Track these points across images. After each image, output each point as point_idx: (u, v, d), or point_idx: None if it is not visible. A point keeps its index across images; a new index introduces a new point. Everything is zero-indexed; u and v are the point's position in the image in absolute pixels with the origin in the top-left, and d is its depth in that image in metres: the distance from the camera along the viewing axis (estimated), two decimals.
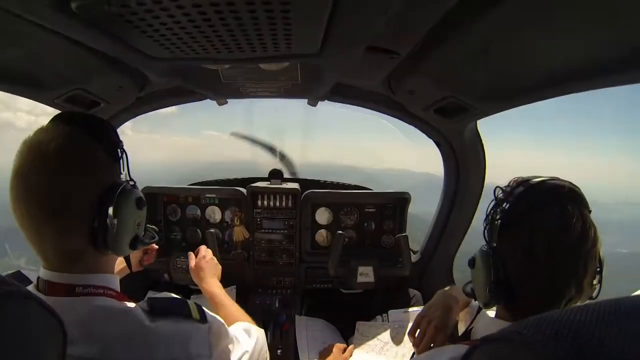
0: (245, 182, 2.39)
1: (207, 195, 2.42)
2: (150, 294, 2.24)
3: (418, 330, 1.38)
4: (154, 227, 2.05)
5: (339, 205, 2.40)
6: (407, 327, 1.99)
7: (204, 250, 1.84)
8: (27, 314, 0.55)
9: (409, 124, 1.91)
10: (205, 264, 1.76)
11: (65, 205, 0.85)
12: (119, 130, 1.52)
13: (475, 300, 1.13)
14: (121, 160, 0.97)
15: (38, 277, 0.92)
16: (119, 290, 1.00)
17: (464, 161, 1.96)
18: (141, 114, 1.97)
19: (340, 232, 2.12)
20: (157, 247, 1.98)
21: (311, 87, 1.60)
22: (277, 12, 0.74)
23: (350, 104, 1.89)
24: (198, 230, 2.44)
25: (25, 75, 1.29)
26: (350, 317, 2.17)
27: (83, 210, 0.86)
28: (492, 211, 1.02)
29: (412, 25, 0.96)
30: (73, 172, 0.86)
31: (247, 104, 2.55)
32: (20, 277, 1.07)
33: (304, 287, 2.42)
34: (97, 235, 0.88)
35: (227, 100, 1.88)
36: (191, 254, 1.82)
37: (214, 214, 2.44)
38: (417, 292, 2.35)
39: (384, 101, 1.79)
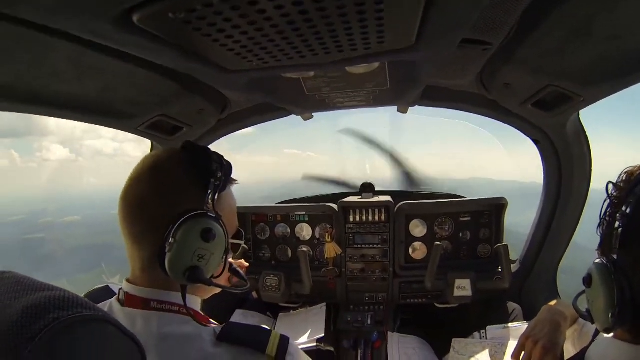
0: (336, 197, 2.36)
1: (296, 213, 2.41)
2: (238, 312, 2.31)
3: (523, 352, 1.26)
4: (245, 246, 2.08)
5: (433, 216, 2.30)
6: (507, 345, 1.84)
7: None
8: (106, 338, 0.59)
9: (504, 122, 1.78)
10: None
11: (144, 223, 0.90)
12: None
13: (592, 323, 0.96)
14: (211, 189, 0.93)
15: (120, 289, 0.96)
16: (198, 310, 1.00)
17: (567, 158, 1.78)
18: (225, 135, 2.02)
19: (438, 243, 2.04)
20: (247, 264, 2.03)
21: (401, 92, 1.53)
22: (369, 4, 0.68)
23: (442, 107, 1.79)
24: (288, 248, 2.45)
25: (105, 106, 1.32)
26: (445, 333, 2.04)
27: (155, 229, 0.88)
28: (608, 215, 0.86)
29: (504, 10, 0.87)
30: (154, 194, 0.91)
31: (331, 119, 2.57)
32: (108, 291, 1.09)
33: (397, 303, 2.34)
34: (160, 257, 0.88)
35: (313, 114, 1.85)
36: None
37: (304, 231, 2.42)
38: (517, 306, 2.17)
39: (476, 100, 1.67)
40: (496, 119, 1.78)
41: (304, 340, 2.02)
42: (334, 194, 2.58)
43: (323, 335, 2.03)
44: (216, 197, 0.94)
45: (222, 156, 0.99)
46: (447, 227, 2.30)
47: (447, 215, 2.29)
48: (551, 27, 0.95)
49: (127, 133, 1.56)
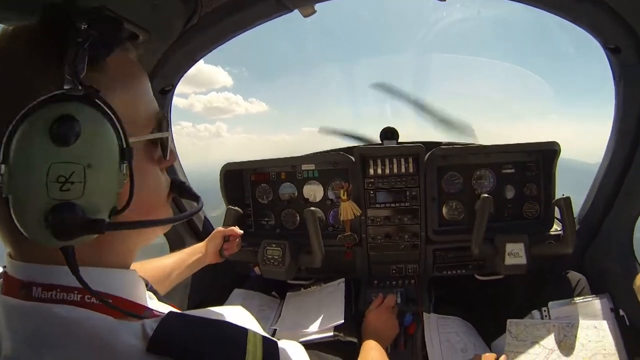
0: (352, 151, 1.94)
1: (303, 168, 2.05)
2: (236, 293, 1.97)
3: None
4: (237, 208, 1.72)
5: (470, 167, 1.92)
6: (577, 326, 1.51)
7: (390, 300, 1.72)
8: None
9: (571, 19, 1.28)
10: (381, 321, 1.61)
11: None
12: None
13: None
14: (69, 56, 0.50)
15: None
16: (128, 298, 0.59)
17: None
18: (199, 55, 1.51)
19: (486, 195, 1.63)
20: (241, 232, 1.62)
21: None
22: None
23: None
24: (295, 212, 2.10)
25: None
26: (490, 312, 1.74)
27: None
28: None
29: None
30: None
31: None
32: None
33: (431, 275, 1.97)
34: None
35: (315, 8, 1.34)
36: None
37: (314, 191, 2.07)
38: (581, 276, 1.75)
39: None
40: (562, 12, 1.28)
41: (317, 329, 1.64)
42: (348, 147, 2.12)
43: (342, 321, 1.62)
44: (85, 68, 0.49)
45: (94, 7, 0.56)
46: (486, 182, 1.93)
47: (487, 167, 1.91)
48: None
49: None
